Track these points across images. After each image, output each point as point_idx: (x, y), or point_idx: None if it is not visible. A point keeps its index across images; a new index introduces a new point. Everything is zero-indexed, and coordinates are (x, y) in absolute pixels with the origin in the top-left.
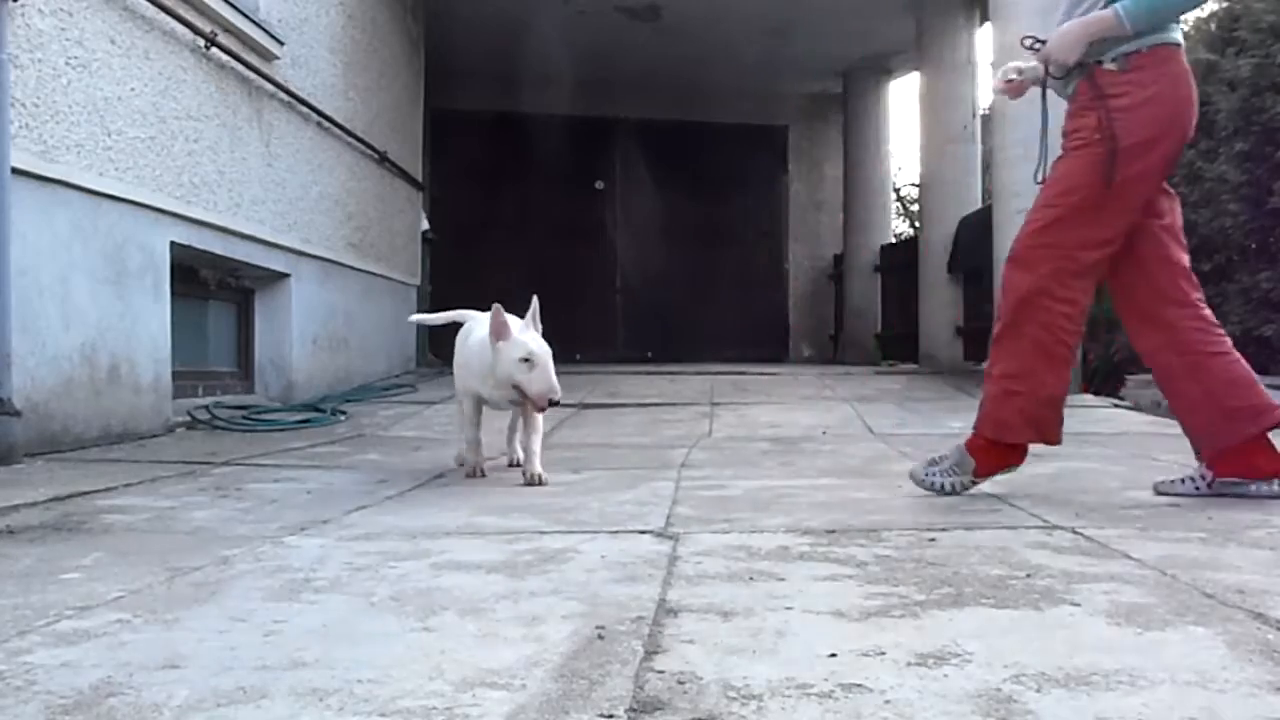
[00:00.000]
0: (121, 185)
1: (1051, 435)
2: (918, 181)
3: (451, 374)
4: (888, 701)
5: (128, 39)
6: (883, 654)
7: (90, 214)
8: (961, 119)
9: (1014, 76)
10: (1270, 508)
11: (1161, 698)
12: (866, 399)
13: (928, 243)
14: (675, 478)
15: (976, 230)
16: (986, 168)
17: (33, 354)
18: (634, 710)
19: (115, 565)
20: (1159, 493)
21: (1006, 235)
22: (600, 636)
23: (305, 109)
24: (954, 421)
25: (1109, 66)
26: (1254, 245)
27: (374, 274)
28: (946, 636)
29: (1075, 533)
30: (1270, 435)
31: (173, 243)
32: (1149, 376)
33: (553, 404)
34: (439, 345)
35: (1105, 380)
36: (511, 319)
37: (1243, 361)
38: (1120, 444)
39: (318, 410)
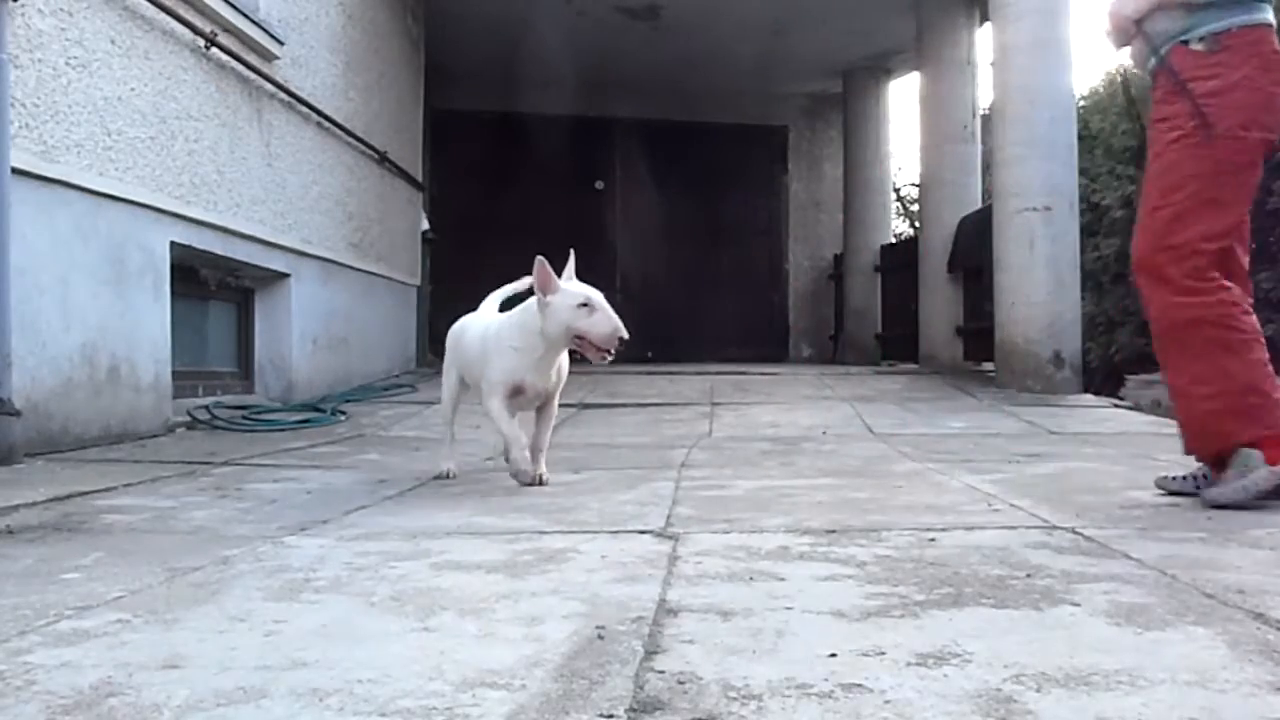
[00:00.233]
0: (121, 185)
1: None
2: (918, 181)
3: None
4: (888, 701)
5: (128, 39)
6: (883, 654)
7: (90, 214)
8: (961, 119)
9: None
10: (1270, 507)
11: (1161, 698)
12: (866, 399)
13: (928, 243)
14: (675, 478)
15: (976, 230)
16: (986, 168)
17: (33, 354)
18: (634, 710)
19: (115, 565)
20: (1160, 488)
21: (1006, 235)
22: (600, 636)
23: (305, 109)
24: (955, 421)
25: (1196, 47)
26: (1254, 245)
27: (374, 274)
28: (946, 636)
29: (1075, 533)
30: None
31: (173, 243)
32: (1149, 376)
33: (620, 346)
34: (439, 345)
35: (1105, 380)
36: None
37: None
38: (1120, 444)
39: (318, 410)
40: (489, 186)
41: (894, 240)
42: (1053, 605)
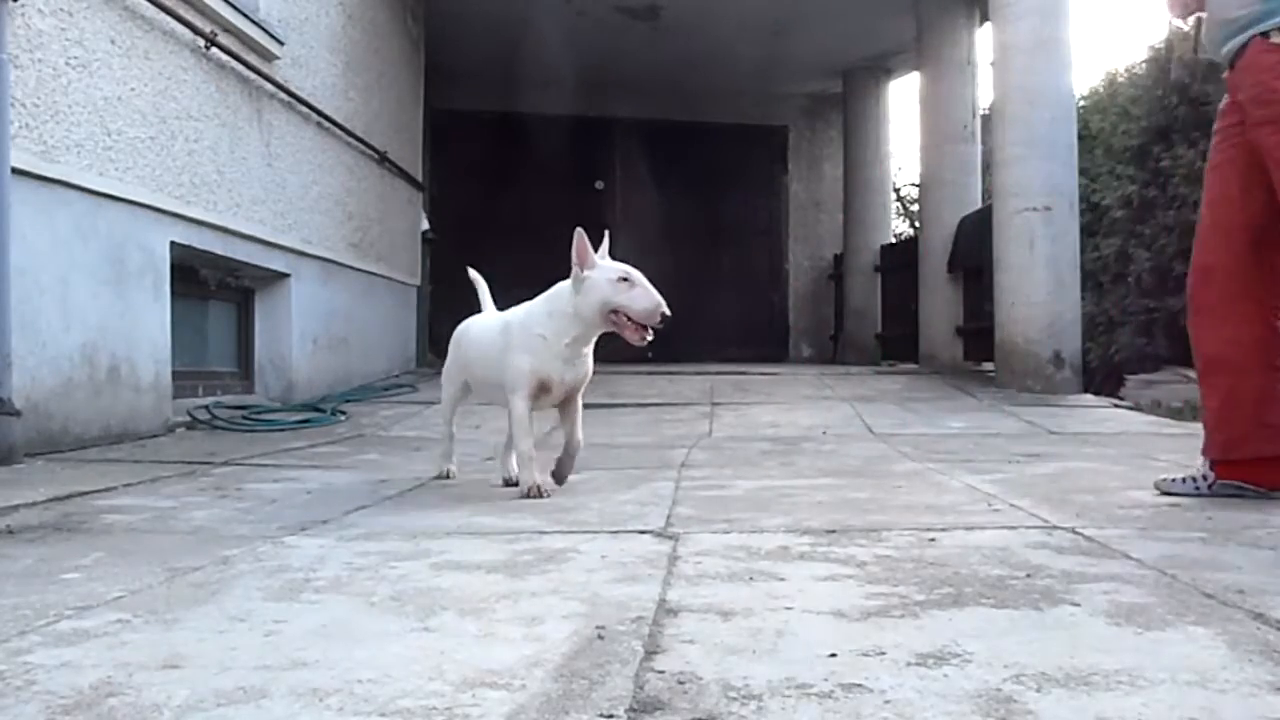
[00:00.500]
0: (121, 185)
1: None
2: (918, 181)
3: None
4: (888, 701)
5: (128, 39)
6: (883, 654)
7: (90, 214)
8: (961, 119)
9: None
10: (1270, 508)
11: (1161, 698)
12: (866, 399)
13: (928, 243)
14: (675, 478)
15: (976, 230)
16: (986, 168)
17: (33, 354)
18: (634, 710)
19: (115, 565)
20: (1159, 490)
21: (1006, 235)
22: (600, 636)
23: (305, 109)
24: (954, 421)
25: (1277, 40)
26: None
27: (374, 274)
28: (946, 636)
29: (1075, 533)
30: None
31: (173, 243)
32: (1149, 376)
33: (662, 324)
34: (439, 345)
35: (1105, 380)
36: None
37: None
38: (1120, 444)
39: (318, 410)
40: (489, 186)
41: (894, 240)
42: (1053, 605)
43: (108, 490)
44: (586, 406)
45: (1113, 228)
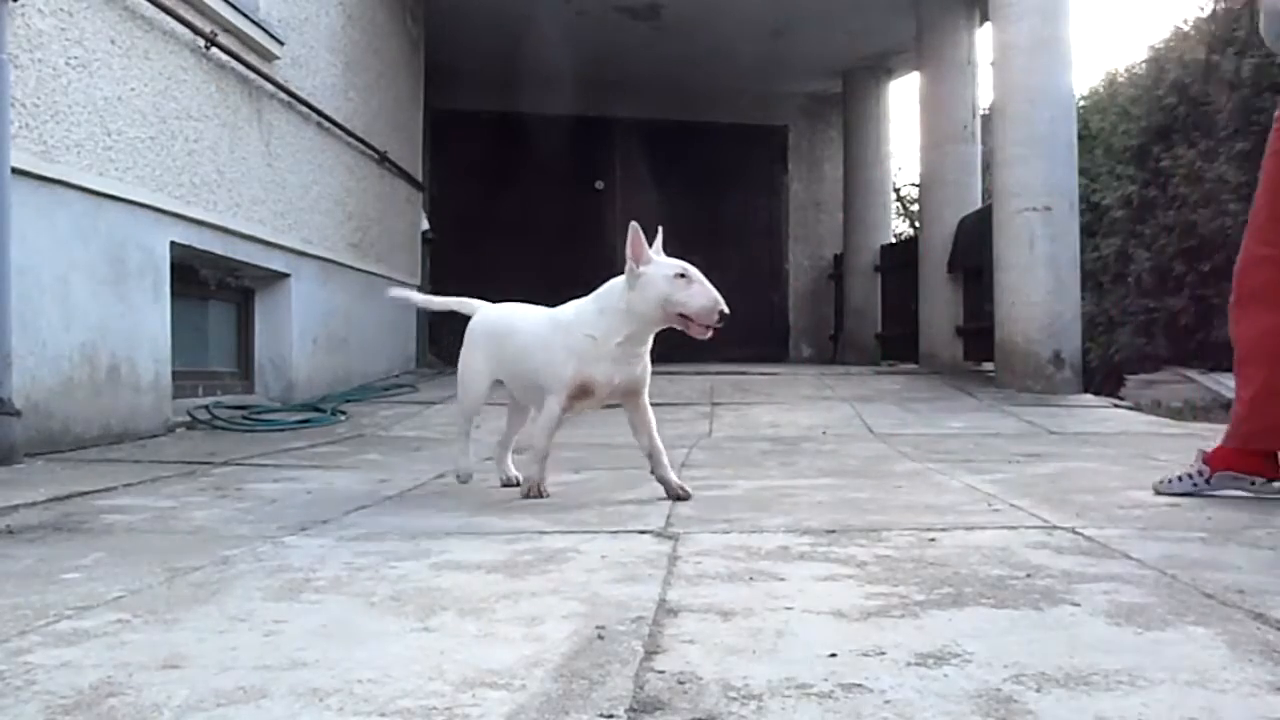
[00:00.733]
0: (121, 185)
1: None
2: (918, 181)
3: (452, 374)
4: (888, 701)
5: (128, 39)
6: (883, 654)
7: (90, 214)
8: (961, 119)
9: None
10: (1270, 508)
11: (1161, 698)
12: (866, 399)
13: (928, 243)
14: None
15: (976, 230)
16: (986, 168)
17: (33, 354)
18: (634, 710)
19: (115, 565)
20: (1158, 493)
21: (1006, 235)
22: (600, 636)
23: (305, 109)
24: (955, 421)
25: None
26: None
27: (374, 274)
28: (946, 636)
29: (1075, 533)
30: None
31: (173, 243)
32: (1149, 376)
33: (720, 322)
34: (439, 345)
35: (1105, 380)
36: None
37: None
38: (1120, 444)
39: (318, 410)
40: (489, 186)
41: (894, 240)
42: (1053, 605)
43: (108, 490)
44: None
45: (1113, 228)
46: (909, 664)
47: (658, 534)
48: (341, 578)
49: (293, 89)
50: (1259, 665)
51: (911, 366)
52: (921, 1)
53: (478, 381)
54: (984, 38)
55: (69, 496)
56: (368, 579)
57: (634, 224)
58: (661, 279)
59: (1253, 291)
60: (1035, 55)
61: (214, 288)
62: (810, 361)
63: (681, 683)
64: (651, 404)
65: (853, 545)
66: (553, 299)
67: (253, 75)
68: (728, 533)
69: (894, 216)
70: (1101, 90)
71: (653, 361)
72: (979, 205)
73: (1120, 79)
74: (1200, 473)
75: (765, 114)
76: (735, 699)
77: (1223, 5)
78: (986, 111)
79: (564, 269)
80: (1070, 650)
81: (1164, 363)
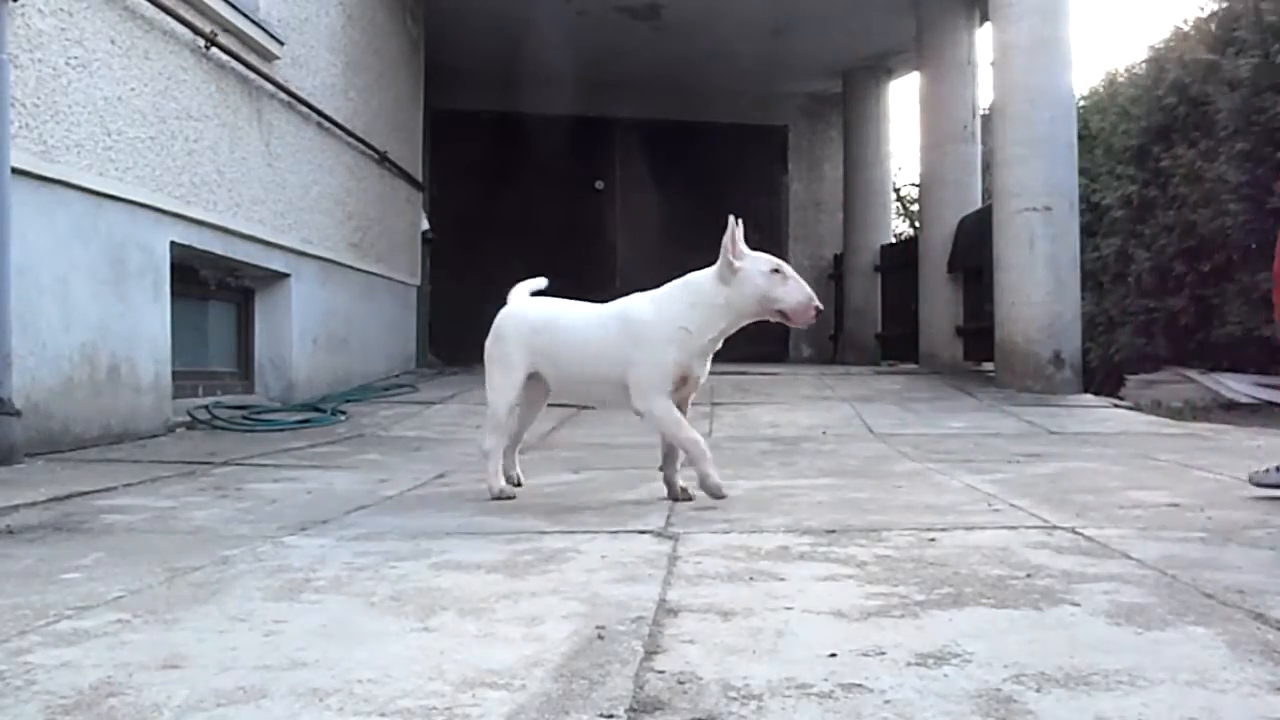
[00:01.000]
0: (121, 185)
1: None
2: (918, 181)
3: (452, 374)
4: (888, 701)
5: (128, 39)
6: (883, 654)
7: (90, 214)
8: (961, 119)
9: None
10: (1270, 508)
11: (1161, 698)
12: (866, 399)
13: (928, 243)
14: None
15: (976, 230)
16: (986, 168)
17: (33, 354)
18: (634, 710)
19: (115, 565)
20: (1255, 484)
21: (1006, 235)
22: (600, 636)
23: (305, 109)
24: (955, 421)
25: None
26: (1254, 245)
27: (374, 274)
28: (946, 636)
29: (1075, 533)
30: None
31: (173, 243)
32: (1149, 376)
33: (814, 317)
34: (439, 345)
35: (1105, 380)
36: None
37: None
38: (1120, 444)
39: (318, 410)
40: (489, 186)
41: (894, 240)
42: (1053, 605)
43: (108, 490)
44: (587, 406)
45: (1113, 228)
46: (909, 664)
47: (658, 534)
48: (341, 578)
49: (293, 89)
50: (1259, 665)
51: (911, 366)
52: (921, 1)
53: (512, 377)
54: (984, 38)
55: (69, 496)
56: (368, 579)
57: (732, 218)
58: (758, 274)
59: None
60: (1035, 55)
61: (214, 288)
62: (810, 361)
63: (681, 683)
64: None
65: (853, 545)
66: (553, 298)
67: (253, 75)
68: (728, 533)
69: (894, 216)
70: (1101, 90)
71: None
72: (979, 205)
73: (1120, 79)
74: None
75: (765, 114)
76: (735, 699)
77: (1223, 5)
78: (986, 111)
79: (564, 269)
80: (1070, 650)
81: (1164, 363)
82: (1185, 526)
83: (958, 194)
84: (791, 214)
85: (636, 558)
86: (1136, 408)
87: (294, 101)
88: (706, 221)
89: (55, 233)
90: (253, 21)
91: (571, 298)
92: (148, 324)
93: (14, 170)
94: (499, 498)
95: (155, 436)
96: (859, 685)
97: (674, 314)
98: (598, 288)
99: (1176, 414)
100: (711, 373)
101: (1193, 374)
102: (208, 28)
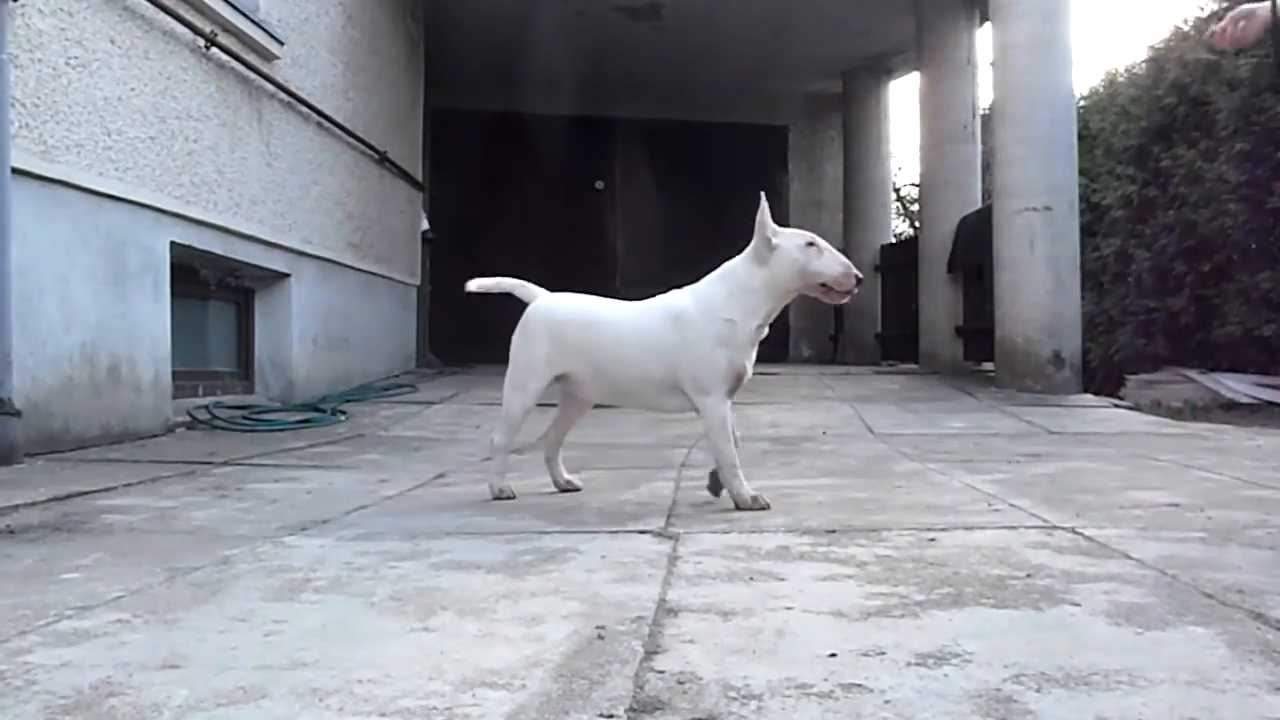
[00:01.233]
0: (121, 185)
1: None
2: (918, 181)
3: (452, 374)
4: (888, 701)
5: (128, 39)
6: (883, 654)
7: (90, 214)
8: (961, 119)
9: (1241, 21)
10: (1270, 508)
11: (1161, 698)
12: (866, 399)
13: (928, 243)
14: (675, 478)
15: (976, 230)
16: (986, 168)
17: (33, 354)
18: (634, 710)
19: (115, 565)
20: None
21: (1007, 235)
22: (600, 636)
23: (305, 109)
24: (955, 421)
25: None
26: (1254, 245)
27: (374, 274)
28: (946, 636)
29: (1075, 533)
30: None
31: (173, 243)
32: (1149, 376)
33: (856, 287)
34: (439, 345)
35: (1105, 380)
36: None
37: None
38: (1120, 444)
39: (318, 410)
40: (489, 186)
41: (894, 240)
42: (1053, 605)
43: (108, 490)
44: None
45: (1113, 228)
46: (909, 664)
47: (658, 534)
48: (341, 578)
49: (293, 89)
50: (1259, 665)
51: (911, 366)
52: (921, 1)
53: (537, 377)
54: (984, 38)
55: (69, 496)
56: (368, 579)
57: (762, 195)
58: (796, 249)
59: None
60: (1035, 55)
61: (214, 288)
62: (810, 361)
63: (681, 683)
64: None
65: (853, 545)
66: None
67: (253, 75)
68: (728, 533)
69: (894, 216)
70: (1101, 90)
71: None
72: (979, 205)
73: (1120, 79)
74: None
75: (765, 114)
76: (735, 699)
77: (1223, 5)
78: (986, 111)
79: (564, 268)
80: (1070, 650)
81: (1164, 363)
82: (1185, 526)
83: (958, 194)
84: (791, 214)
85: (636, 558)
86: (1136, 408)
87: (294, 101)
88: (707, 221)
89: (55, 232)
90: (253, 21)
91: None
92: (148, 324)
93: (14, 170)
94: (499, 497)
95: (155, 436)
96: (859, 685)
97: (716, 306)
98: (598, 288)
99: (1176, 414)
100: None
101: (1193, 374)
102: (208, 28)
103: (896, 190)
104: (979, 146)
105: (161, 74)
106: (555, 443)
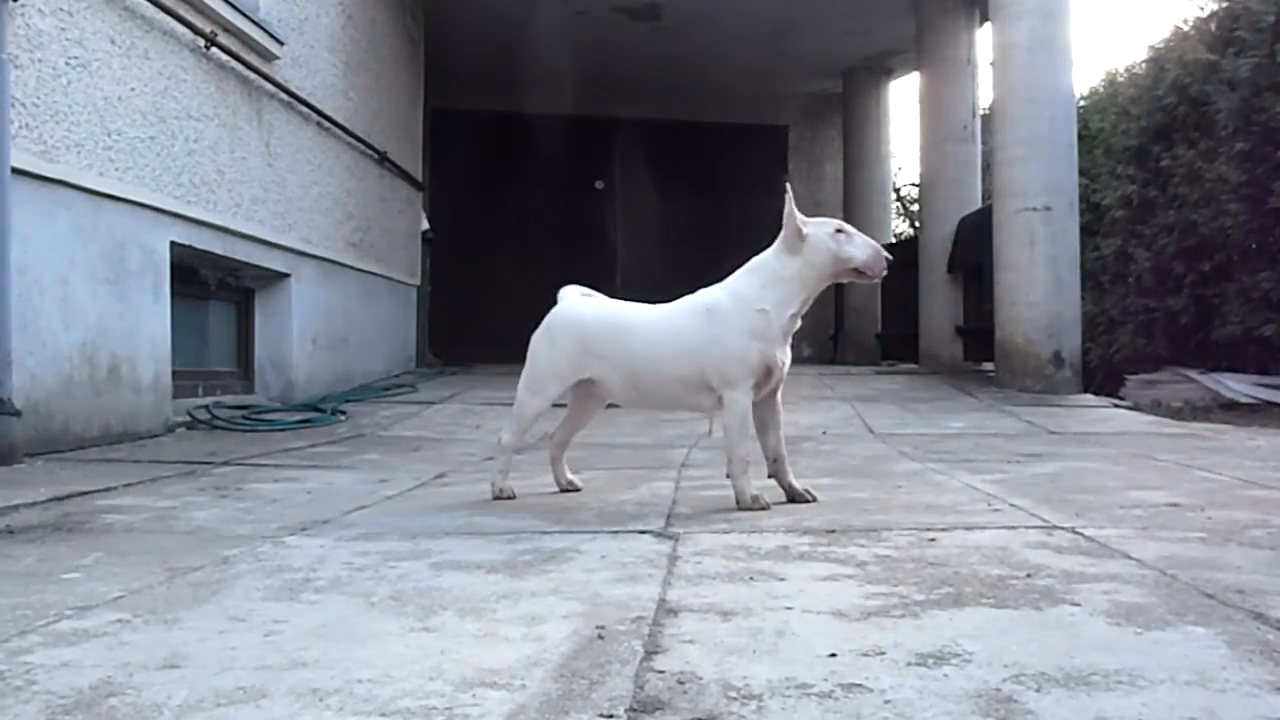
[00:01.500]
0: (121, 185)
1: None
2: (918, 181)
3: (452, 374)
4: (888, 701)
5: (128, 39)
6: (883, 654)
7: (90, 214)
8: (961, 119)
9: None
10: (1270, 507)
11: (1161, 698)
12: (866, 399)
13: (928, 243)
14: (675, 478)
15: (976, 230)
16: (986, 168)
17: (33, 354)
18: (634, 710)
19: (115, 565)
20: None
21: (1006, 235)
22: (600, 636)
23: (305, 109)
24: (955, 421)
25: None
26: (1254, 245)
27: (374, 274)
28: (946, 636)
29: (1075, 533)
30: None
31: (173, 243)
32: (1149, 376)
33: (886, 268)
34: (439, 345)
35: (1105, 380)
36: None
37: None
38: (1120, 444)
39: (318, 410)
40: (489, 186)
41: (894, 240)
42: (1053, 605)
43: (108, 490)
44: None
45: (1113, 228)
46: (909, 664)
47: (658, 534)
48: (341, 578)
49: (293, 89)
50: (1259, 665)
51: (911, 366)
52: (921, 1)
53: (558, 383)
54: (984, 38)
55: (69, 496)
56: (368, 579)
57: (788, 184)
58: (827, 237)
59: None
60: (1035, 55)
61: (214, 288)
62: (810, 361)
63: (681, 683)
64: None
65: (853, 545)
66: (552, 299)
67: (253, 75)
68: (728, 533)
69: (894, 216)
70: (1101, 90)
71: None
72: (979, 205)
73: (1120, 79)
74: None
75: (765, 114)
76: (735, 699)
77: (1223, 5)
78: (986, 111)
79: (564, 268)
80: (1070, 650)
81: (1164, 363)
82: (1185, 526)
83: (958, 194)
84: None
85: (636, 558)
86: (1136, 408)
87: (294, 101)
88: (706, 221)
89: (55, 233)
90: (253, 21)
91: None
92: (148, 324)
93: (14, 170)
94: (500, 497)
95: (155, 436)
96: (859, 685)
97: (750, 298)
98: (598, 288)
99: (1176, 414)
100: None
101: (1193, 374)
102: (208, 28)
103: (896, 190)
104: (979, 146)
105: (161, 74)
106: (562, 443)
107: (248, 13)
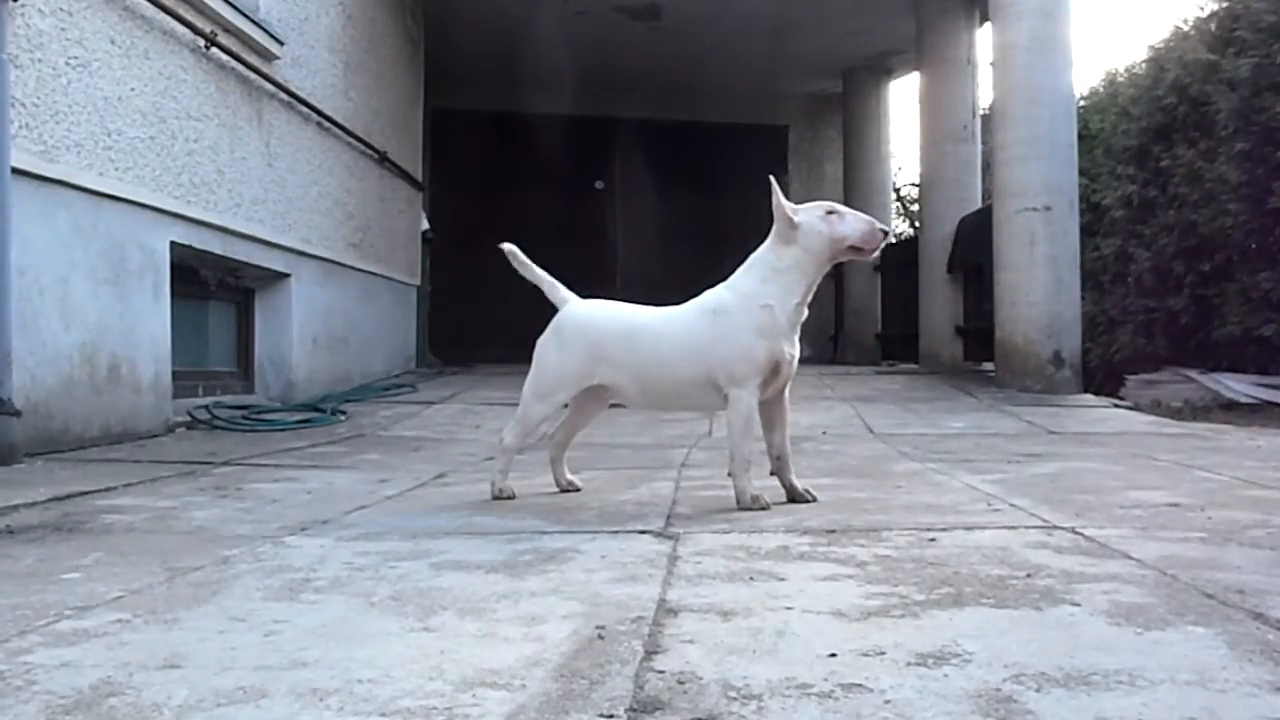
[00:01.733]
0: (121, 185)
1: None
2: (918, 181)
3: (452, 374)
4: (888, 701)
5: (128, 39)
6: (883, 654)
7: (90, 214)
8: (961, 119)
9: None
10: (1270, 508)
11: (1161, 698)
12: (866, 399)
13: (928, 243)
14: (675, 478)
15: (976, 230)
16: (986, 168)
17: (33, 354)
18: (634, 710)
19: (115, 565)
20: None
21: (1006, 235)
22: (600, 636)
23: (305, 109)
24: (955, 421)
25: None
26: (1254, 245)
27: (374, 274)
28: (946, 636)
29: (1075, 533)
30: None
31: (173, 243)
32: (1149, 376)
33: (884, 239)
34: (439, 345)
35: (1105, 380)
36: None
37: None
38: (1120, 444)
39: (318, 410)
40: (489, 186)
41: (894, 240)
42: (1053, 605)
43: (108, 490)
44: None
45: (1113, 228)
46: (909, 664)
47: (658, 534)
48: (341, 578)
49: (293, 89)
50: (1259, 665)
51: (911, 366)
52: (921, 1)
53: (567, 388)
54: (984, 38)
55: (69, 496)
56: (368, 579)
57: (771, 177)
58: (818, 220)
59: None
60: (1035, 55)
61: (214, 288)
62: (810, 361)
63: (681, 683)
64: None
65: (853, 545)
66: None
67: (253, 75)
68: (728, 533)
69: (894, 216)
70: (1101, 90)
71: None
72: (979, 205)
73: (1120, 79)
74: None
75: (765, 114)
76: (735, 699)
77: (1223, 5)
78: (986, 111)
79: (564, 269)
80: (1070, 650)
81: (1164, 363)
82: (1185, 526)
83: (958, 194)
84: None
85: (636, 558)
86: (1136, 408)
87: (294, 101)
88: (706, 221)
89: (55, 233)
90: (253, 21)
91: (576, 296)
92: (148, 324)
93: (14, 170)
94: (499, 497)
95: (155, 436)
96: (859, 685)
97: (753, 294)
98: (598, 288)
99: (1176, 414)
100: None
101: (1193, 374)
102: (208, 28)
103: (896, 190)
104: (979, 146)
105: (161, 74)
106: (562, 444)
107: (248, 13)
